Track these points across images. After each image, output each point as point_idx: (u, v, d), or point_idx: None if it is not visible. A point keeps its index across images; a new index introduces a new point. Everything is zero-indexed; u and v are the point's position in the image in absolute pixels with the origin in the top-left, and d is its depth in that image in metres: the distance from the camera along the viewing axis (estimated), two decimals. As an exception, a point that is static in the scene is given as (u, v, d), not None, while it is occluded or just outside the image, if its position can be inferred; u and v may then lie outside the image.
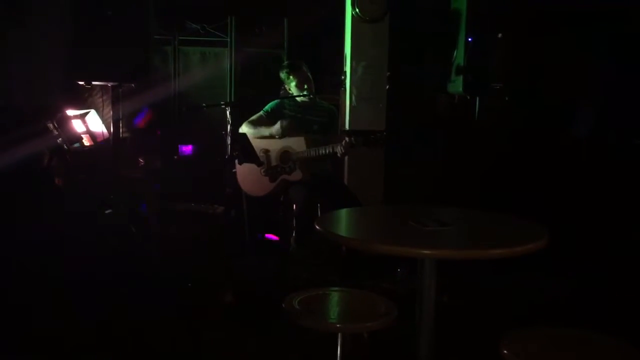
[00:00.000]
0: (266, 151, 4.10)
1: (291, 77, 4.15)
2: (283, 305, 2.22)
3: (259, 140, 4.09)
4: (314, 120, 4.18)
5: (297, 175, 3.99)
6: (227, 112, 3.66)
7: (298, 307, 2.20)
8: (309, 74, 4.20)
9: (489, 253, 1.93)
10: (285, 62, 4.42)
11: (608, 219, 4.48)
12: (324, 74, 4.35)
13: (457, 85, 4.52)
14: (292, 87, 4.17)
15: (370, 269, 3.86)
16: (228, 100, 5.54)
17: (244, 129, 4.13)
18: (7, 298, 3.11)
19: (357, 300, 2.35)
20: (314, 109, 4.22)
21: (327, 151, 3.84)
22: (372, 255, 3.69)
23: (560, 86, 5.26)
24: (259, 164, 3.98)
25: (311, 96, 4.15)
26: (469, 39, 4.40)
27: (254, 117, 4.20)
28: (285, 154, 4.04)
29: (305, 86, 4.13)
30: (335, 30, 5.24)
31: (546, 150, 5.00)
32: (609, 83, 5.04)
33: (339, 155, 3.80)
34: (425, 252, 1.92)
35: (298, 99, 4.18)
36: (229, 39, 5.82)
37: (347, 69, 4.97)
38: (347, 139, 3.74)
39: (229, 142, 3.68)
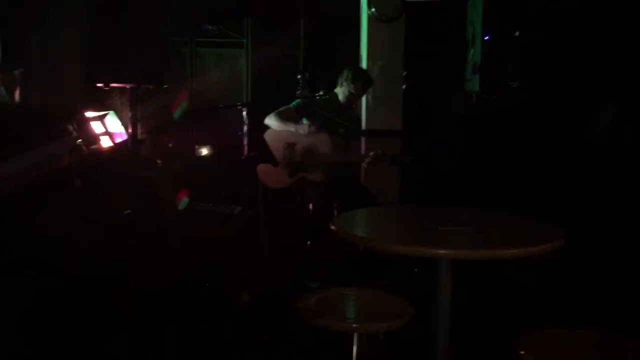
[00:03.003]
0: (291, 145, 4.04)
1: (353, 85, 4.06)
2: (299, 305, 2.23)
3: (285, 133, 4.07)
4: (341, 123, 4.14)
5: (316, 176, 3.96)
6: (244, 113, 3.68)
7: (314, 307, 2.21)
8: (363, 96, 4.29)
9: (504, 253, 1.92)
10: (365, 72, 4.37)
11: (628, 220, 4.42)
12: (339, 73, 4.35)
13: (474, 84, 4.50)
14: (345, 89, 4.09)
15: (386, 268, 3.85)
16: (244, 101, 5.56)
17: (272, 119, 4.08)
18: (28, 297, 3.16)
19: (373, 300, 2.36)
20: (344, 113, 4.18)
21: (353, 160, 3.82)
22: (388, 255, 3.68)
23: (578, 85, 5.20)
24: (275, 164, 3.99)
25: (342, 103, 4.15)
26: (486, 38, 4.38)
27: (282, 109, 4.11)
28: (309, 153, 4.01)
29: (352, 98, 4.12)
30: (351, 29, 5.24)
31: (564, 149, 4.95)
32: (627, 83, 4.98)
33: (364, 166, 3.79)
34: (441, 252, 1.92)
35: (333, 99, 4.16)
36: (245, 40, 5.85)
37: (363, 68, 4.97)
38: (372, 153, 3.76)
39: (245, 142, 3.70)
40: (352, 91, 4.07)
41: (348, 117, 4.19)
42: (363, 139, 4.92)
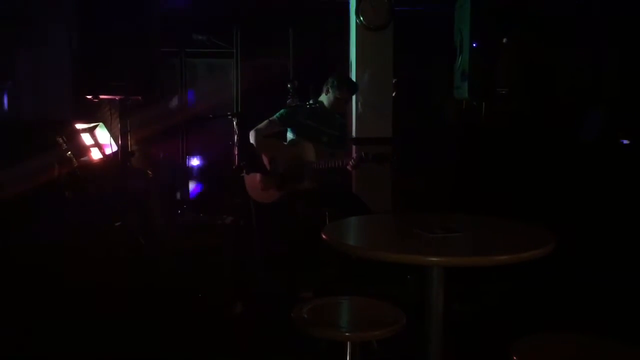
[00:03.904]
0: (275, 158, 4.07)
1: (339, 92, 4.08)
2: (292, 314, 2.22)
3: (269, 145, 4.07)
4: (324, 131, 4.15)
5: (304, 185, 3.97)
6: (234, 123, 3.68)
7: (307, 316, 2.20)
8: (349, 102, 4.28)
9: (495, 259, 1.92)
10: (349, 78, 4.36)
11: (618, 223, 4.45)
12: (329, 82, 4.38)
13: (463, 91, 4.52)
14: (331, 95, 4.11)
15: (379, 276, 3.85)
16: (234, 111, 5.56)
17: (252, 137, 4.09)
18: (19, 307, 3.14)
19: (366, 308, 2.35)
20: (328, 120, 4.19)
21: (337, 164, 3.83)
22: (381, 262, 3.68)
23: (566, 90, 5.25)
24: (265, 173, 3.99)
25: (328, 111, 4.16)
26: (474, 45, 4.40)
27: (263, 125, 4.12)
28: (294, 163, 4.02)
29: (338, 104, 4.13)
30: (340, 38, 5.26)
31: (554, 154, 4.98)
32: (614, 86, 5.03)
33: (349, 169, 3.80)
34: (432, 259, 1.92)
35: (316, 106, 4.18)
36: (234, 50, 5.85)
37: (353, 76, 4.98)
38: (356, 154, 3.76)
39: (236, 152, 3.70)
40: (338, 97, 4.09)
41: (333, 125, 4.20)
42: (354, 147, 4.94)
